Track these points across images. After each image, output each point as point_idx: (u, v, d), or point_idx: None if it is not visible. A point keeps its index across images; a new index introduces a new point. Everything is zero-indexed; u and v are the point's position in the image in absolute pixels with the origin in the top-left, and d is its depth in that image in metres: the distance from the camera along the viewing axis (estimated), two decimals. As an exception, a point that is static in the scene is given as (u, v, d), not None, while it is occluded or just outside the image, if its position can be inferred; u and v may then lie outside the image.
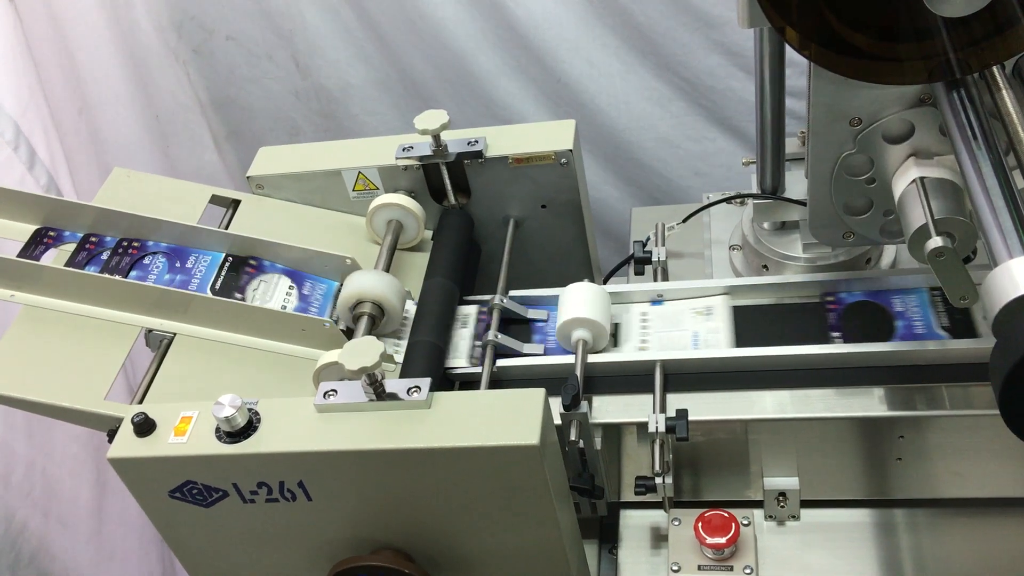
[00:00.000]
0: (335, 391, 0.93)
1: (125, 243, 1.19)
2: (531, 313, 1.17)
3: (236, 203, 1.28)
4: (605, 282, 1.38)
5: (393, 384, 0.93)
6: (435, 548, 0.97)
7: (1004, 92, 0.87)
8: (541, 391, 0.90)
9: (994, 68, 0.89)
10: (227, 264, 1.17)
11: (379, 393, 0.92)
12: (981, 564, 1.04)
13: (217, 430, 0.92)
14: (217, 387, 0.94)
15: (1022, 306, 0.67)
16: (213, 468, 0.92)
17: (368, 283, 1.10)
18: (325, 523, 0.96)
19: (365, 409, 0.92)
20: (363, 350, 0.91)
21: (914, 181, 0.94)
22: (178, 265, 1.17)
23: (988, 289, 0.72)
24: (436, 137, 1.20)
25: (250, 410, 0.93)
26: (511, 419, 0.88)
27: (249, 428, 0.92)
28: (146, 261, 1.18)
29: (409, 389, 0.92)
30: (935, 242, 0.84)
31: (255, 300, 1.14)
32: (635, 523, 1.14)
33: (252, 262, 1.17)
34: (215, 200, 1.28)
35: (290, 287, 1.17)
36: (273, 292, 1.16)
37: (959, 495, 1.07)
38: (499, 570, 0.99)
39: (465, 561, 0.99)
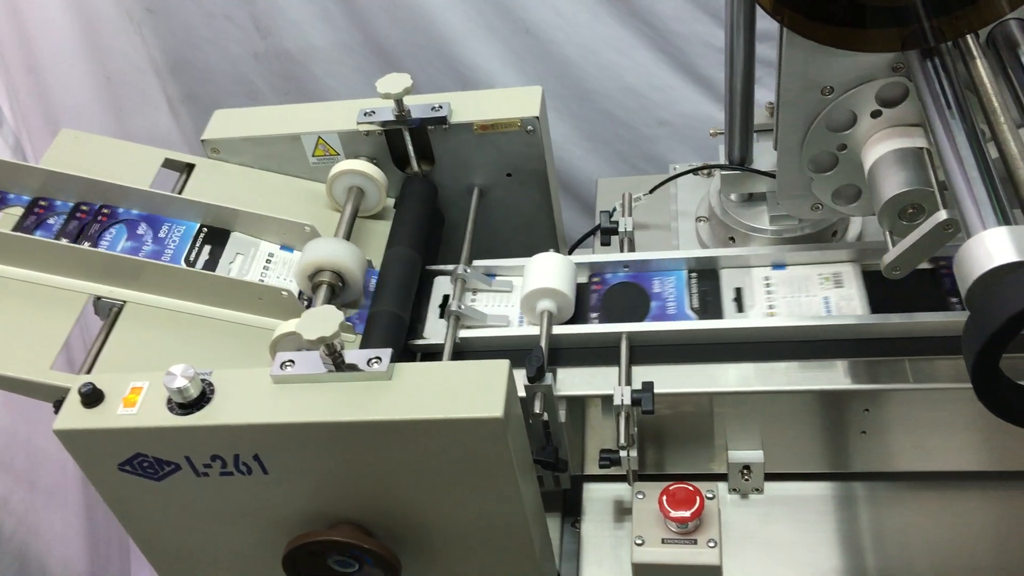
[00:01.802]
0: (292, 362, 0.90)
1: (84, 208, 1.15)
2: (496, 283, 1.15)
3: (190, 168, 1.23)
4: (571, 252, 1.36)
5: (353, 355, 0.90)
6: (396, 523, 0.95)
7: (978, 61, 0.86)
8: (505, 362, 0.88)
9: (968, 37, 0.88)
10: (202, 235, 1.14)
11: (338, 364, 0.89)
12: (941, 537, 1.05)
13: (169, 401, 0.89)
14: (169, 357, 0.90)
15: (996, 278, 0.66)
16: (164, 440, 0.89)
17: (327, 251, 1.07)
18: (282, 498, 0.94)
19: (323, 380, 0.89)
20: (322, 319, 0.88)
21: (886, 152, 0.93)
22: (139, 233, 1.13)
23: (961, 261, 0.71)
24: (399, 102, 1.16)
25: (203, 381, 0.90)
26: (475, 391, 0.86)
27: (202, 399, 0.89)
28: (113, 230, 1.14)
29: (369, 360, 0.89)
30: (942, 215, 0.82)
31: (231, 271, 1.11)
32: (599, 496, 1.13)
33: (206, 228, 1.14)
34: (168, 164, 1.23)
35: (270, 255, 1.13)
36: (251, 264, 1.12)
37: (921, 468, 1.07)
38: (461, 544, 0.98)
39: (426, 536, 0.97)
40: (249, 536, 0.98)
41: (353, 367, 0.89)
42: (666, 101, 1.82)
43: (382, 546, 0.93)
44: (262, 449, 0.89)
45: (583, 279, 1.14)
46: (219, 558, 1.02)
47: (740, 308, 1.08)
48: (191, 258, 1.11)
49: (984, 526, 1.05)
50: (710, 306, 1.09)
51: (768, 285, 1.10)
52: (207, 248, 1.13)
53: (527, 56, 1.81)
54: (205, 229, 1.14)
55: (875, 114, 0.94)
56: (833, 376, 1.01)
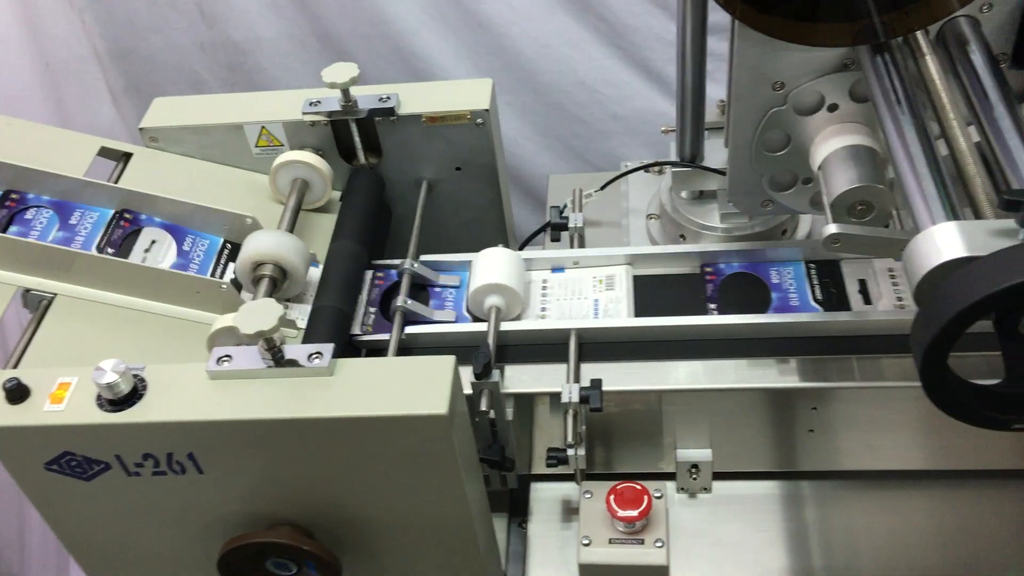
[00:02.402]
0: (229, 356, 0.87)
1: (15, 196, 1.10)
2: (443, 279, 1.13)
3: (127, 156, 1.19)
4: (522, 248, 1.34)
5: (293, 350, 0.87)
6: (337, 523, 0.93)
7: (927, 58, 0.86)
8: (451, 358, 0.86)
9: (918, 34, 0.88)
10: (115, 221, 1.09)
11: (277, 359, 0.86)
12: (887, 536, 1.05)
13: (98, 397, 0.85)
14: (101, 352, 0.87)
15: (945, 273, 0.66)
16: (93, 438, 0.85)
17: (269, 243, 1.03)
18: (217, 498, 0.90)
19: (262, 376, 0.86)
20: (261, 312, 0.85)
21: (837, 149, 0.93)
22: (63, 220, 1.09)
23: (910, 256, 0.70)
24: (346, 91, 1.14)
25: (135, 376, 0.86)
26: (418, 387, 0.84)
27: (134, 395, 0.85)
28: (28, 215, 1.09)
29: (310, 355, 0.87)
30: (831, 228, 0.81)
31: (146, 260, 1.07)
32: (546, 496, 1.11)
33: (128, 215, 1.10)
34: (104, 152, 1.19)
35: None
36: (166, 252, 1.08)
37: (868, 467, 1.07)
38: (404, 545, 0.95)
39: (368, 537, 0.94)
40: (183, 538, 0.95)
41: (293, 363, 0.86)
42: (619, 96, 1.82)
43: (322, 547, 0.90)
44: (197, 448, 0.86)
45: (695, 269, 1.11)
46: (152, 561, 0.99)
47: None
48: (101, 245, 1.07)
49: (929, 525, 1.06)
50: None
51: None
52: (120, 236, 1.09)
53: (480, 49, 1.79)
54: (120, 215, 1.10)
55: (831, 108, 0.94)
56: (782, 374, 1.00)
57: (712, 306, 1.07)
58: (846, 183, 0.89)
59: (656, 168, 1.35)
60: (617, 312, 1.07)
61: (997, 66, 0.85)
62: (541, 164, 1.92)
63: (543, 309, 1.09)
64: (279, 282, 1.04)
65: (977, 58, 0.85)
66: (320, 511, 0.92)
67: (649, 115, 1.80)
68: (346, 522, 0.93)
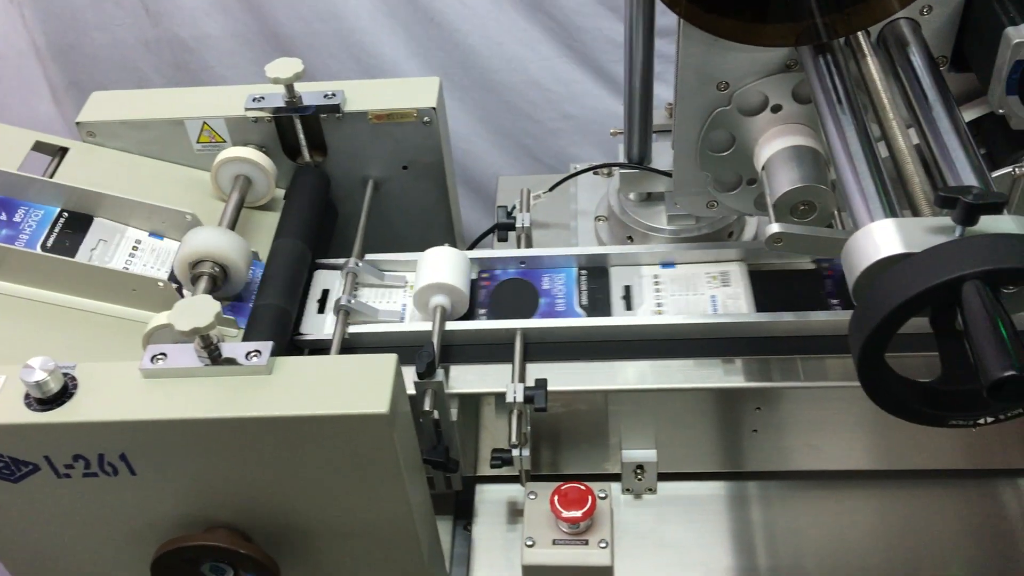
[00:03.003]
0: (164, 355, 0.85)
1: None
2: (388, 278, 1.11)
3: (63, 151, 1.16)
4: (471, 248, 1.33)
5: (230, 348, 0.85)
6: (275, 526, 0.91)
7: (869, 59, 0.87)
8: (393, 356, 0.84)
9: (860, 35, 0.89)
10: (61, 220, 1.06)
11: (214, 357, 0.84)
12: (830, 536, 1.05)
13: (27, 396, 0.82)
14: (32, 351, 0.84)
15: (883, 270, 0.66)
16: (22, 439, 0.83)
17: (209, 240, 1.01)
18: (151, 500, 0.88)
19: (198, 375, 0.84)
20: (196, 309, 0.83)
21: (780, 149, 0.93)
22: (3, 218, 1.05)
23: (848, 253, 0.70)
24: (289, 87, 1.12)
25: (65, 375, 0.83)
26: (359, 386, 0.82)
27: (64, 394, 0.83)
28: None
29: (248, 353, 0.85)
30: (773, 228, 0.81)
31: (92, 259, 1.04)
32: (491, 498, 1.10)
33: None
34: (38, 147, 1.15)
35: (136, 242, 1.07)
36: (115, 251, 1.06)
37: (812, 468, 1.07)
38: (345, 548, 0.93)
39: (308, 539, 0.92)
40: (116, 542, 0.92)
41: (231, 361, 0.85)
42: (570, 95, 1.82)
43: (259, 551, 0.88)
44: (129, 448, 0.83)
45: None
46: (83, 565, 0.96)
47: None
48: (47, 244, 1.04)
49: (871, 525, 1.06)
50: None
51: (657, 283, 1.09)
52: (67, 234, 1.06)
53: (431, 46, 1.78)
54: (66, 214, 1.07)
55: (775, 109, 0.95)
56: (726, 374, 1.00)
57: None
58: (788, 183, 0.89)
59: (605, 170, 1.35)
60: (737, 307, 1.06)
61: (937, 68, 0.86)
62: (492, 162, 1.91)
63: (659, 304, 1.08)
64: (219, 280, 1.01)
65: (917, 60, 0.86)
66: (258, 513, 0.90)
67: (600, 115, 1.81)
68: (285, 525, 0.91)
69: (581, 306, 1.07)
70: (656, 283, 1.09)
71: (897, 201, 0.77)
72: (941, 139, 0.78)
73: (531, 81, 1.82)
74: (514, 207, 1.26)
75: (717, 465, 1.08)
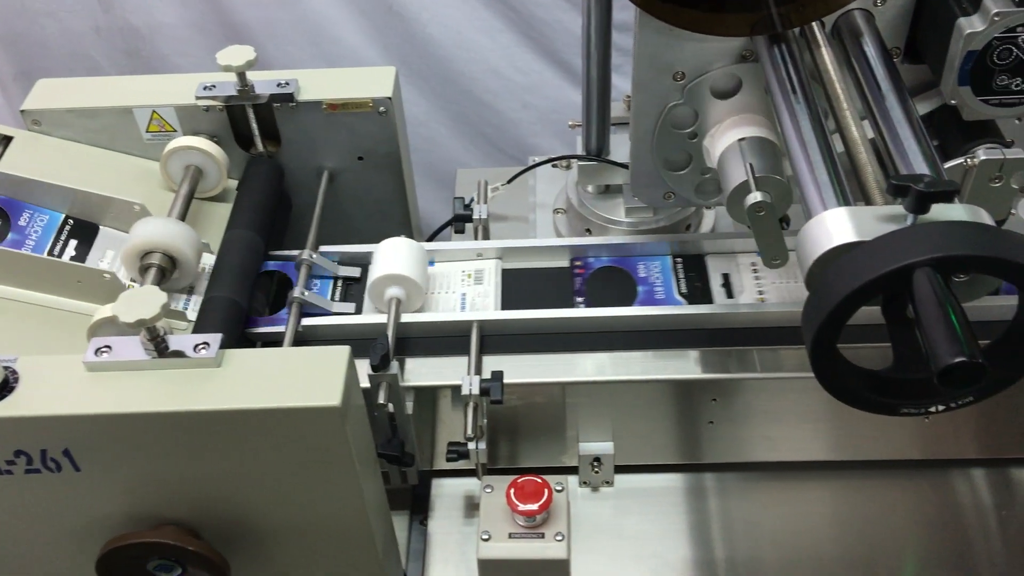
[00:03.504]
0: (109, 348, 0.83)
1: None
2: (342, 270, 1.10)
3: (7, 140, 1.12)
4: (431, 240, 1.32)
5: (178, 340, 0.83)
6: (226, 523, 0.89)
7: (823, 50, 0.87)
8: (345, 348, 0.83)
9: (814, 26, 0.89)
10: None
11: (161, 350, 0.82)
12: (786, 526, 1.06)
13: (-36, 391, 0.80)
14: (-28, 344, 0.82)
15: (835, 258, 0.66)
16: (-41, 435, 0.80)
17: (157, 231, 0.99)
18: (96, 497, 0.86)
19: (144, 368, 0.82)
20: (142, 300, 0.81)
21: (736, 140, 0.93)
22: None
23: (802, 242, 0.70)
24: (242, 75, 1.10)
25: (6, 368, 0.81)
26: (311, 378, 0.81)
27: (4, 388, 0.80)
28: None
29: (196, 346, 0.83)
30: (755, 197, 0.83)
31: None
32: (448, 492, 1.09)
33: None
34: (-19, 136, 1.12)
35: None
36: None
37: (768, 459, 1.08)
38: (297, 544, 0.92)
39: (259, 535, 0.90)
40: (60, 540, 0.89)
41: (178, 353, 0.83)
42: (530, 85, 1.82)
43: (208, 548, 0.86)
44: (73, 444, 0.81)
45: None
46: (26, 564, 0.93)
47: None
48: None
49: (827, 515, 1.07)
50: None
51: (755, 271, 1.09)
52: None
53: (391, 34, 1.77)
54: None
55: (732, 99, 0.94)
56: (683, 365, 1.00)
57: (579, 300, 1.07)
58: (744, 174, 0.89)
59: (564, 163, 1.34)
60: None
61: (890, 59, 0.86)
62: (453, 151, 1.90)
63: (760, 292, 1.07)
64: (168, 272, 0.99)
65: (870, 50, 0.86)
66: (208, 510, 0.88)
67: (561, 105, 1.81)
68: (236, 521, 0.89)
69: (681, 294, 1.07)
70: (754, 271, 1.08)
71: (851, 190, 0.77)
72: (894, 129, 0.78)
73: (491, 70, 1.81)
74: (472, 199, 1.25)
75: (675, 457, 1.08)
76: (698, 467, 1.09)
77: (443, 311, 1.06)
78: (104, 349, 0.83)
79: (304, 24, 1.76)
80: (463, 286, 1.09)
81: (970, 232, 0.62)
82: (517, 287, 1.09)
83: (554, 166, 1.35)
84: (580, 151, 1.21)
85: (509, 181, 1.32)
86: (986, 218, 0.67)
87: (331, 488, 0.86)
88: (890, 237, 0.62)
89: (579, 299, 1.07)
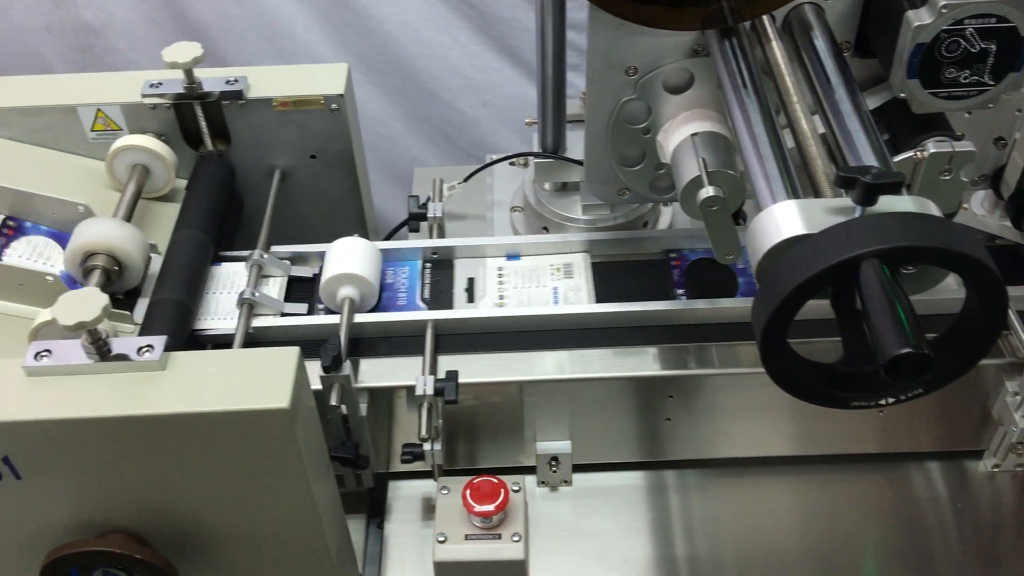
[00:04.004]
0: (49, 352, 0.81)
1: None
2: (295, 270, 1.08)
3: (-55, 139, 1.10)
4: (388, 239, 1.30)
5: (121, 343, 0.81)
6: (174, 530, 0.87)
7: (774, 44, 0.87)
8: (294, 349, 0.81)
9: (765, 20, 0.89)
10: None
11: (103, 353, 0.80)
12: (746, 522, 1.05)
13: (-103, 398, 0.77)
14: (-93, 350, 0.79)
15: (785, 250, 0.65)
16: None
17: (101, 231, 0.96)
18: (39, 505, 0.83)
19: (86, 372, 0.80)
20: (82, 303, 0.79)
21: (689, 135, 0.93)
22: None
23: (751, 235, 0.70)
24: (189, 72, 1.07)
25: (-60, 374, 0.78)
26: (258, 380, 0.79)
27: (-61, 395, 0.78)
28: None
29: (140, 349, 0.81)
30: (707, 191, 0.83)
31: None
32: (406, 495, 1.07)
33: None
34: (-82, 136, 1.09)
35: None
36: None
37: (728, 455, 1.07)
38: (248, 550, 0.90)
39: (209, 543, 0.88)
40: (2, 549, 0.87)
41: (121, 357, 0.81)
42: (489, 83, 1.81)
43: (155, 555, 0.84)
44: (13, 451, 0.79)
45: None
46: (-34, 577, 0.90)
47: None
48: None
49: (787, 510, 1.07)
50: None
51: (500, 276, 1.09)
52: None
53: (348, 31, 1.75)
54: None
55: (685, 94, 0.94)
56: (640, 362, 1.00)
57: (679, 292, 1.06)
58: (696, 168, 0.88)
59: (521, 161, 1.33)
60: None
61: (840, 53, 0.86)
62: (412, 150, 1.89)
63: (501, 297, 1.06)
64: (113, 274, 0.97)
65: (820, 44, 0.86)
66: (155, 517, 0.86)
67: (521, 103, 1.80)
68: (184, 528, 0.87)
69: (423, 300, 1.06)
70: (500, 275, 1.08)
71: (802, 184, 0.76)
72: (843, 122, 0.78)
73: (451, 68, 1.80)
74: (429, 198, 1.24)
75: (634, 455, 1.07)
76: (658, 464, 1.09)
77: (536, 305, 1.04)
78: (44, 353, 0.81)
79: (260, 21, 1.74)
80: (553, 280, 1.07)
81: (916, 223, 0.61)
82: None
83: (512, 164, 1.34)
84: (536, 148, 1.20)
85: (465, 179, 1.31)
86: (934, 210, 0.67)
87: (282, 492, 0.84)
88: (837, 229, 0.61)
89: (679, 291, 1.06)
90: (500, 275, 1.09)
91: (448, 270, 1.10)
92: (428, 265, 1.10)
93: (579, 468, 1.06)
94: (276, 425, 0.78)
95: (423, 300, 1.06)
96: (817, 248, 0.61)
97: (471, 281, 1.08)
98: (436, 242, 1.11)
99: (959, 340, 0.66)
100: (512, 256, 1.11)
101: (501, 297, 1.06)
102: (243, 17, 1.73)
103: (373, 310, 1.04)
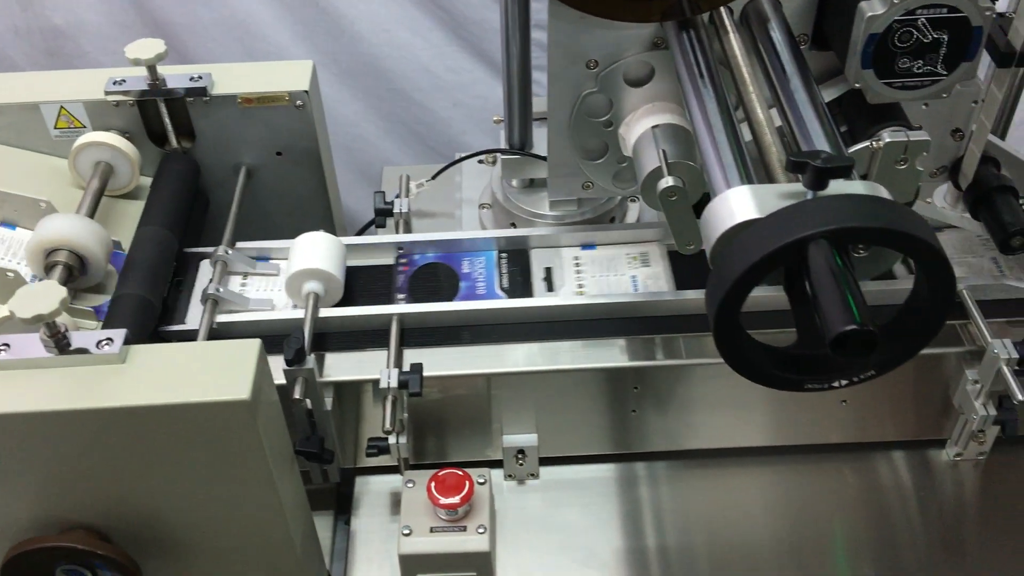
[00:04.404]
0: (7, 346, 0.80)
1: None
2: (260, 266, 1.08)
3: (-94, 138, 1.09)
4: (359, 235, 1.30)
5: (80, 337, 0.81)
6: (136, 525, 0.86)
7: (731, 36, 0.88)
8: (256, 341, 0.81)
9: (723, 12, 0.89)
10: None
11: (62, 347, 0.80)
12: (716, 513, 1.05)
13: None
14: None
15: (738, 234, 0.66)
16: None
17: (63, 228, 0.96)
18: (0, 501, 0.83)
19: (44, 366, 0.80)
20: (40, 296, 0.78)
21: (650, 128, 0.94)
22: None
23: (706, 221, 0.70)
24: (152, 69, 1.07)
25: None
26: (218, 373, 0.79)
27: None
28: None
29: (99, 342, 0.80)
30: (667, 182, 0.83)
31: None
32: (373, 489, 1.07)
33: None
34: None
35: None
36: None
37: (695, 446, 1.08)
38: (211, 546, 0.89)
39: (172, 539, 0.88)
40: (-39, 549, 0.86)
41: (81, 350, 0.80)
42: (460, 83, 1.81)
43: (117, 551, 0.84)
44: (-30, 446, 0.78)
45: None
46: (-74, 576, 0.89)
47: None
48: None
49: (755, 500, 1.07)
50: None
51: (578, 265, 1.09)
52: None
53: (319, 31, 1.75)
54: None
55: (645, 87, 0.95)
56: (605, 354, 1.00)
57: (400, 296, 1.07)
58: (657, 160, 0.89)
59: (489, 158, 1.34)
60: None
61: (796, 45, 0.87)
62: (384, 150, 1.88)
63: (580, 285, 1.07)
64: (75, 270, 0.96)
65: (777, 36, 0.87)
66: (117, 512, 0.85)
67: (492, 103, 1.80)
68: (147, 523, 0.86)
69: (502, 288, 1.06)
70: (577, 264, 1.08)
71: (758, 174, 0.77)
72: (798, 111, 0.79)
73: (422, 68, 1.80)
74: (398, 195, 1.24)
75: (601, 447, 1.07)
76: (628, 457, 1.09)
77: (610, 294, 1.05)
78: (2, 347, 0.80)
79: (230, 22, 1.74)
80: (630, 268, 1.07)
81: (863, 205, 0.62)
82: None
83: (480, 161, 1.34)
84: (503, 145, 1.21)
85: (433, 177, 1.31)
86: (884, 193, 0.68)
87: (245, 487, 0.84)
88: (786, 212, 0.62)
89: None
90: (577, 264, 1.09)
91: (523, 260, 1.11)
92: (503, 255, 1.11)
93: (548, 461, 1.07)
94: (237, 417, 0.78)
95: (502, 289, 1.06)
96: (766, 231, 0.61)
97: (548, 271, 1.09)
98: (436, 235, 1.12)
99: (909, 321, 0.67)
100: (587, 246, 1.11)
101: (580, 286, 1.07)
102: (213, 19, 1.73)
103: (340, 304, 1.04)
